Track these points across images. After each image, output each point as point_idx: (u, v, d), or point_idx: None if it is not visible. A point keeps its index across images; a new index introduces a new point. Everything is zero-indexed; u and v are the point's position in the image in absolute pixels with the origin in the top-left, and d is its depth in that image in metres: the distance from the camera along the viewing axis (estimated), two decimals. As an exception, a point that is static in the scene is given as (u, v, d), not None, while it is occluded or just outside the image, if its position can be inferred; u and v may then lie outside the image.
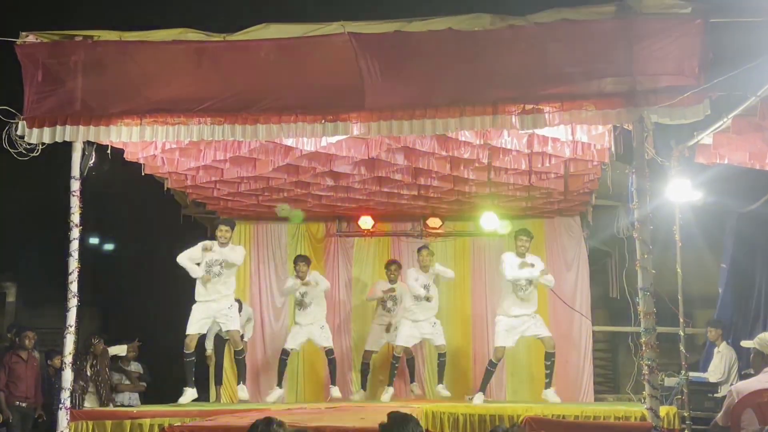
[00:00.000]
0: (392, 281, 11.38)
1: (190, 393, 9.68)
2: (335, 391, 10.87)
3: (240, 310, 10.47)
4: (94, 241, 14.57)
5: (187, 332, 9.65)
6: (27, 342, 10.52)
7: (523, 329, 10.14)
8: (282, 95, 7.78)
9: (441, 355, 10.93)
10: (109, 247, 15.29)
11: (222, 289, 9.81)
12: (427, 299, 10.71)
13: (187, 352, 9.65)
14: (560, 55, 7.42)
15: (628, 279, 10.52)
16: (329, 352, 10.99)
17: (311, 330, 10.94)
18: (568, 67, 7.40)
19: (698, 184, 9.41)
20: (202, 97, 7.81)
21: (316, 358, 12.03)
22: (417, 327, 10.74)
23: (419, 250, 11.10)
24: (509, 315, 10.09)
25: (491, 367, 10.18)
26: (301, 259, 11.23)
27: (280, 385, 10.92)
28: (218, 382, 11.71)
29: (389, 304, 11.32)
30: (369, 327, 11.71)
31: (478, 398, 9.98)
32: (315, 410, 9.21)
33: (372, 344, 11.46)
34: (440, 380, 10.91)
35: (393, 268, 11.45)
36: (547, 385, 10.14)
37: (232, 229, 10.15)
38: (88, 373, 10.21)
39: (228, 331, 9.97)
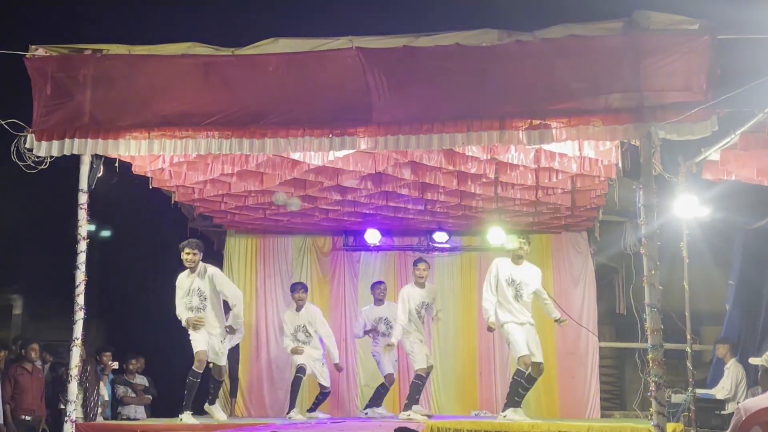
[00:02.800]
0: (380, 302, 11.24)
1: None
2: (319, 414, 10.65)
3: None
4: (100, 252, 14.59)
5: (200, 348, 9.42)
6: (33, 354, 10.51)
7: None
8: (289, 109, 7.79)
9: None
10: (115, 259, 15.31)
11: (210, 321, 9.62)
12: (420, 317, 10.53)
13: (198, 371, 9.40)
14: (568, 70, 7.43)
15: (635, 295, 10.48)
16: (326, 390, 10.91)
17: (315, 364, 10.78)
18: (576, 82, 7.40)
19: (706, 200, 9.40)
20: (210, 111, 7.82)
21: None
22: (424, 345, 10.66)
23: (415, 263, 10.80)
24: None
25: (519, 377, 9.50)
26: (299, 287, 11.11)
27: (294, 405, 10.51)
28: (233, 394, 11.59)
29: (382, 327, 11.13)
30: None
31: (518, 414, 9.35)
32: (320, 425, 9.18)
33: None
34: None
35: (382, 287, 11.36)
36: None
37: (200, 251, 9.71)
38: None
39: (214, 365, 9.76)
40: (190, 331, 9.53)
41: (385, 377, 10.99)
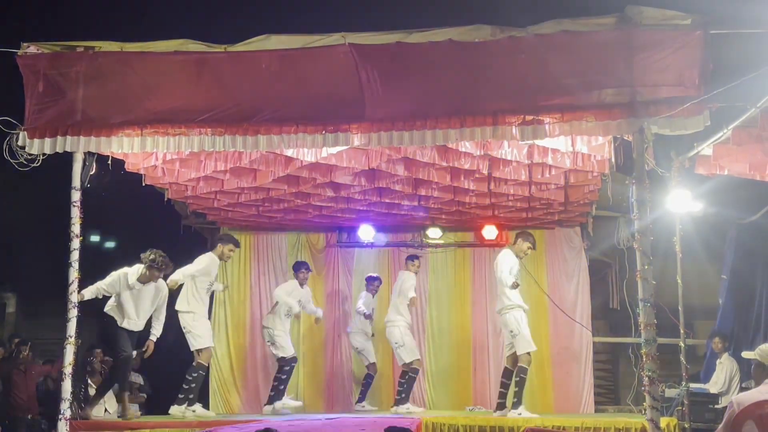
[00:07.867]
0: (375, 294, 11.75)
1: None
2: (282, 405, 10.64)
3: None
4: (94, 251, 14.56)
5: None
6: (25, 353, 10.52)
7: None
8: (282, 106, 7.77)
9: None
10: (109, 257, 15.28)
11: None
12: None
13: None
14: (560, 66, 7.42)
15: (629, 290, 10.52)
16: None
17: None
18: (569, 78, 7.40)
19: (698, 195, 9.43)
20: (202, 108, 7.80)
21: (315, 363, 12.08)
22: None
23: (413, 259, 11.46)
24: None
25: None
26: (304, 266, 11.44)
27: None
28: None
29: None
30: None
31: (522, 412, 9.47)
32: (315, 421, 9.18)
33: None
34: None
35: (376, 283, 11.82)
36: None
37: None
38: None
39: None
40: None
41: (369, 366, 11.41)
